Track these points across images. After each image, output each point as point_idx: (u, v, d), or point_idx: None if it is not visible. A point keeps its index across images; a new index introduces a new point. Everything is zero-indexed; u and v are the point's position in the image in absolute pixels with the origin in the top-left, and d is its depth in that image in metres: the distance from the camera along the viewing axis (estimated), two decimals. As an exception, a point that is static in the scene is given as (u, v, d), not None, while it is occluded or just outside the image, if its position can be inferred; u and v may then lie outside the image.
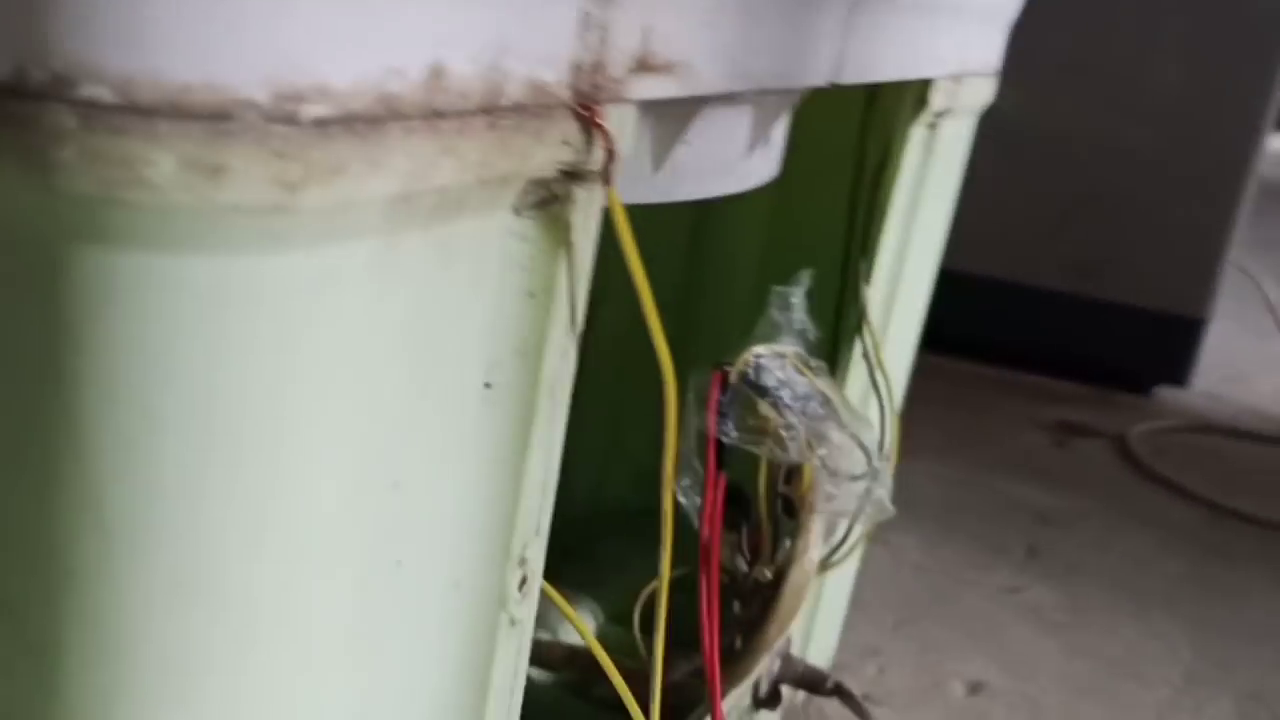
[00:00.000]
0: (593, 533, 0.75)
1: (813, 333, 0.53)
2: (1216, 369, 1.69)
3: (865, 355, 0.63)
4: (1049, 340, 1.60)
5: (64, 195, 0.21)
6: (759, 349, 0.51)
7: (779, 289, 0.53)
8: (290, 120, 0.21)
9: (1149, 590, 1.03)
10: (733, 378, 0.50)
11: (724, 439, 0.49)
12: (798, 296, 0.53)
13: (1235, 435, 1.49)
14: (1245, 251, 1.62)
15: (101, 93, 0.20)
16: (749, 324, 0.53)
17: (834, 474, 0.53)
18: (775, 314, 0.53)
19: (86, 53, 0.20)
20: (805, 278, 0.53)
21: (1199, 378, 1.60)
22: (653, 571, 0.66)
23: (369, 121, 0.23)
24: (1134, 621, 0.97)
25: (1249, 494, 1.27)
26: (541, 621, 0.40)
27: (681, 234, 0.72)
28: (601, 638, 0.67)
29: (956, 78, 0.62)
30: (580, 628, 0.38)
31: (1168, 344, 1.58)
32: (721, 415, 0.49)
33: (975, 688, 0.84)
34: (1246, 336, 1.86)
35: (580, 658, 0.61)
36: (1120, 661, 0.90)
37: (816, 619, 0.73)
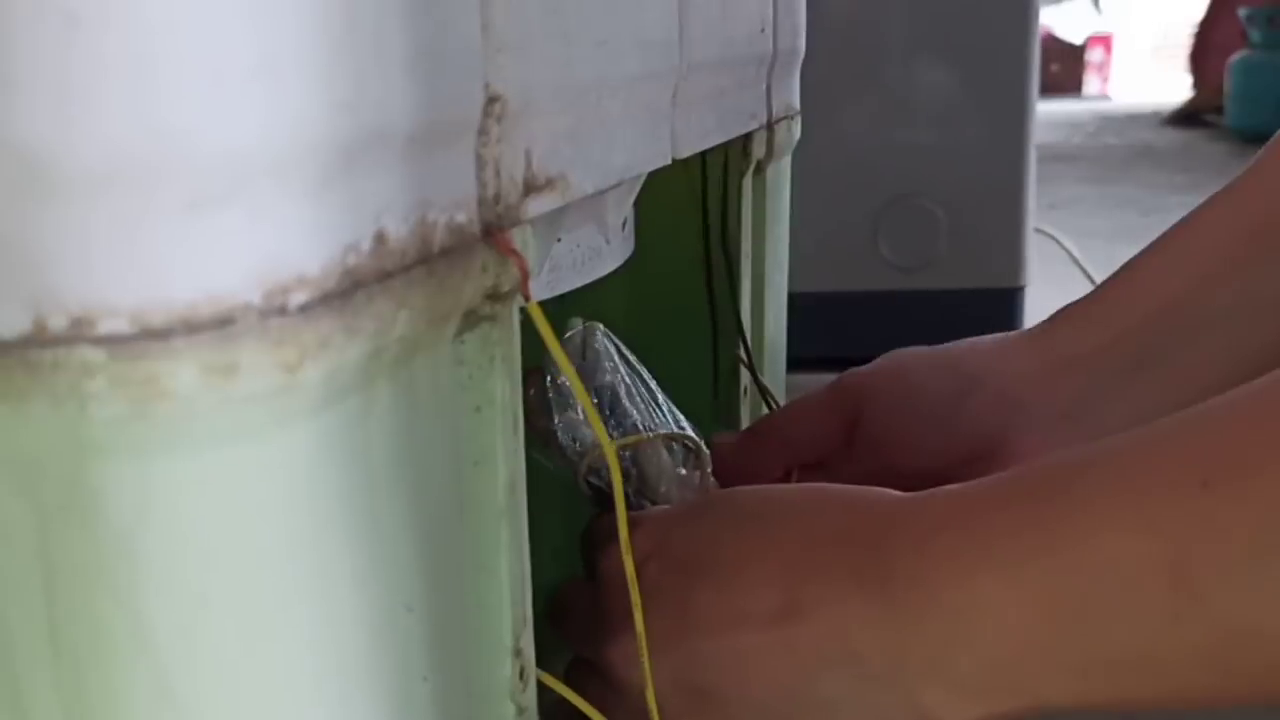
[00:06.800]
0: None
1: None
2: (1042, 328, 1.82)
3: (756, 382, 0.68)
4: (892, 336, 1.69)
5: (95, 420, 0.23)
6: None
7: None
8: (282, 311, 0.24)
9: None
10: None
11: None
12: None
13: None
14: (1039, 217, 1.75)
15: (120, 325, 0.22)
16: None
17: None
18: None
19: (100, 293, 0.22)
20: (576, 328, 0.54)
21: (1029, 339, 1.72)
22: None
23: (340, 295, 0.26)
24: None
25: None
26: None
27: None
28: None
29: (769, 125, 0.68)
30: (586, 709, 0.41)
31: (996, 315, 1.70)
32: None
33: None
34: (1059, 292, 2.00)
35: None
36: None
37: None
